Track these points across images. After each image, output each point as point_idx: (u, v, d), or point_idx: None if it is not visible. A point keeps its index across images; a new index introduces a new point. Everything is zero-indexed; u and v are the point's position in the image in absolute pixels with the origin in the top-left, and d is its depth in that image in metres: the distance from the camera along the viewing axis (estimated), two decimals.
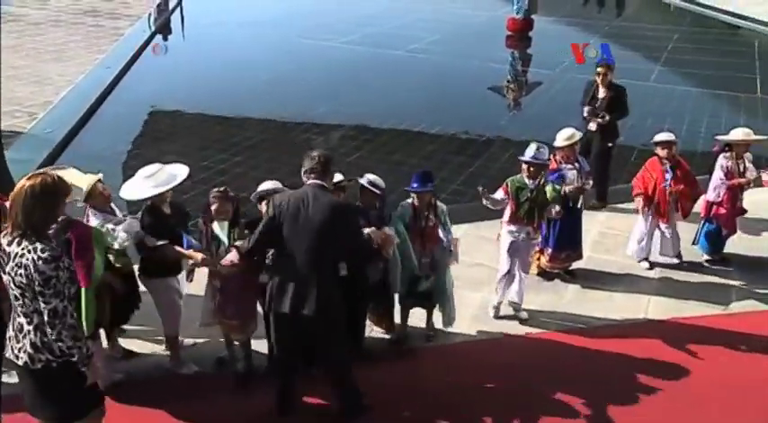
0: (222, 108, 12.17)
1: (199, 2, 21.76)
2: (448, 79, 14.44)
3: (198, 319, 4.80)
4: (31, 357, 3.26)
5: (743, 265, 6.50)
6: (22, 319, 3.28)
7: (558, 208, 5.46)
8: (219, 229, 4.50)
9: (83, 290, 3.25)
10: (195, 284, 4.88)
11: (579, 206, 6.07)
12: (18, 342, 3.30)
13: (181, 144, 10.50)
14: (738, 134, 6.21)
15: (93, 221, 4.38)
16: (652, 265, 6.47)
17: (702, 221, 6.48)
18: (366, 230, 4.57)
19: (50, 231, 3.20)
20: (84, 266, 3.23)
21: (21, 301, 3.24)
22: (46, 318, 3.19)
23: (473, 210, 6.83)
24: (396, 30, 19.01)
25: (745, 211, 6.46)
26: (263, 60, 15.82)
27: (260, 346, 4.85)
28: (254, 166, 9.42)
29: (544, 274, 6.26)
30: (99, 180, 4.57)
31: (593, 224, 7.13)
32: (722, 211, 6.28)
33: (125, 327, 5.09)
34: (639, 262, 6.50)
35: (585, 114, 7.43)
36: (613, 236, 7.02)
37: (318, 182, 4.09)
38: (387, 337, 5.35)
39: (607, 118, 7.28)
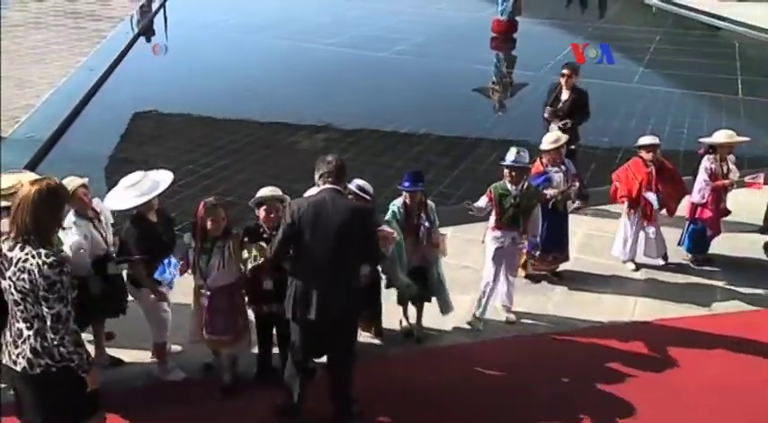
0: (207, 110, 12.11)
1: (182, 3, 21.65)
2: (434, 81, 14.47)
3: (183, 327, 4.77)
4: (30, 362, 3.26)
5: (727, 265, 6.57)
6: (22, 325, 3.27)
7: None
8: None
9: None
10: (183, 294, 4.85)
11: (565, 208, 6.12)
12: (17, 347, 3.29)
13: (165, 147, 10.44)
14: (722, 136, 6.28)
15: (70, 227, 4.35)
16: (638, 267, 6.53)
17: (687, 223, 6.54)
18: None
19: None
20: None
21: (21, 306, 3.23)
22: (49, 323, 3.19)
23: (459, 212, 6.78)
24: (381, 32, 19.03)
25: (729, 213, 6.54)
26: (248, 62, 15.75)
27: (245, 354, 4.83)
28: (240, 170, 9.37)
29: (531, 277, 6.29)
30: (83, 185, 4.51)
31: (580, 226, 7.17)
32: (707, 212, 6.34)
33: (113, 334, 5.05)
34: (625, 263, 6.55)
35: (546, 115, 7.47)
36: (599, 237, 7.07)
37: (334, 186, 4.10)
38: (376, 341, 5.35)
39: (569, 124, 7.27)
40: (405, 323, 5.56)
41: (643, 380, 4.93)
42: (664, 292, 6.12)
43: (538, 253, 6.13)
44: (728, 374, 5.01)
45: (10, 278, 3.20)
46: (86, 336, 4.39)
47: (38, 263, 3.13)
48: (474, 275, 5.99)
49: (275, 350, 4.86)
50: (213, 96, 12.87)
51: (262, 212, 4.62)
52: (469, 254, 6.31)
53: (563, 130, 7.23)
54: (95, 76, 13.23)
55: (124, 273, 4.71)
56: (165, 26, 19.20)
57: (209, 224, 4.41)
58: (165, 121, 11.72)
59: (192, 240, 4.50)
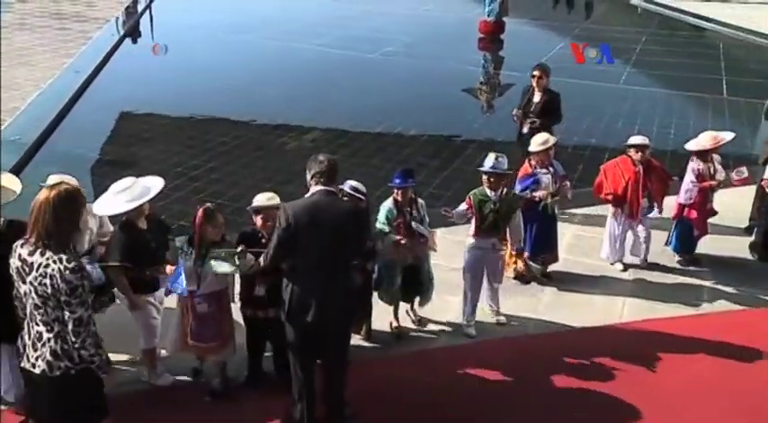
0: (195, 112, 12.07)
1: (168, 4, 21.53)
2: (422, 82, 14.49)
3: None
4: (50, 365, 3.30)
5: (713, 265, 6.64)
6: (42, 328, 3.31)
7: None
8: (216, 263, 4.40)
9: None
10: (169, 299, 4.84)
11: (554, 210, 6.15)
12: (36, 350, 3.33)
13: (154, 149, 10.38)
14: (707, 140, 6.32)
15: None
16: (626, 267, 6.58)
17: (674, 223, 6.60)
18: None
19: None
20: None
21: (42, 310, 3.27)
22: (71, 326, 3.24)
23: None
24: (368, 32, 19.03)
25: (715, 213, 6.60)
26: (236, 63, 15.68)
27: (233, 359, 4.82)
28: (231, 172, 9.34)
29: (521, 278, 6.32)
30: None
31: (568, 227, 7.22)
32: (694, 212, 6.41)
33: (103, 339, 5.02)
34: (613, 264, 6.59)
35: (513, 116, 7.48)
36: (588, 238, 7.11)
37: (327, 188, 4.09)
38: (367, 343, 5.36)
39: (537, 123, 7.24)
40: (395, 324, 5.58)
41: (633, 380, 4.97)
42: (652, 293, 6.17)
43: (526, 254, 6.18)
44: (717, 374, 5.07)
45: (31, 283, 3.23)
46: None
47: (59, 268, 3.17)
48: None
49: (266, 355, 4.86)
50: (201, 97, 12.82)
51: (259, 220, 4.61)
52: (459, 256, 6.24)
53: (532, 130, 7.22)
54: (81, 78, 13.13)
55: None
56: (152, 27, 19.09)
57: (209, 231, 4.39)
58: (152, 123, 11.65)
59: (188, 246, 4.46)
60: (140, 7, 20.53)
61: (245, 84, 13.81)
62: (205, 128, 11.34)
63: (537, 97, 7.40)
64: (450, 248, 6.32)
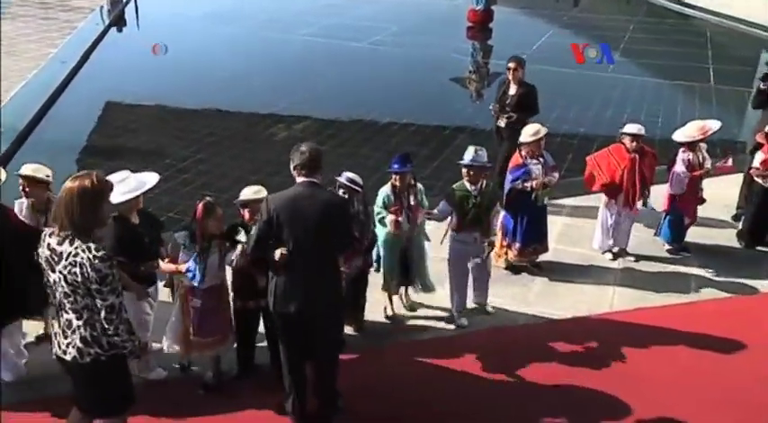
0: (182, 102, 11.99)
1: None
2: (411, 71, 14.45)
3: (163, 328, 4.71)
4: (80, 352, 3.39)
5: (702, 254, 6.69)
6: (71, 316, 3.38)
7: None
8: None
9: None
10: (160, 291, 4.82)
11: (544, 200, 6.16)
12: (66, 338, 3.41)
13: (140, 140, 10.31)
14: (695, 131, 6.33)
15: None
16: (615, 256, 6.61)
17: (664, 214, 6.64)
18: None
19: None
20: None
21: (72, 298, 3.34)
22: (104, 314, 3.32)
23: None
24: (355, 21, 18.91)
25: (704, 201, 6.64)
26: (222, 53, 15.55)
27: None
28: (219, 163, 9.29)
29: (512, 268, 6.34)
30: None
31: (558, 216, 7.24)
32: (685, 201, 6.44)
33: None
34: (604, 253, 6.63)
35: (491, 110, 7.46)
36: (578, 228, 7.15)
37: (310, 179, 4.06)
38: (358, 335, 5.38)
39: (513, 117, 7.18)
40: (389, 311, 5.64)
41: (623, 371, 5.02)
42: (641, 282, 6.22)
43: (517, 244, 6.19)
44: (707, 361, 5.12)
45: (60, 272, 3.29)
46: None
47: (89, 257, 3.23)
48: None
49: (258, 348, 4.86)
50: (188, 88, 12.73)
51: (246, 214, 4.62)
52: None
53: (509, 124, 7.20)
54: (67, 69, 12.98)
55: None
56: (137, 16, 18.87)
57: (210, 224, 4.38)
58: (139, 114, 11.56)
59: (190, 241, 4.43)
60: None
61: (233, 74, 13.71)
62: (193, 119, 11.27)
63: (512, 90, 7.33)
64: (440, 239, 6.34)
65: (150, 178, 4.49)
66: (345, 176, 4.97)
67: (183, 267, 4.37)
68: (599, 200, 6.75)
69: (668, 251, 6.70)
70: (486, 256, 5.50)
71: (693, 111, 11.36)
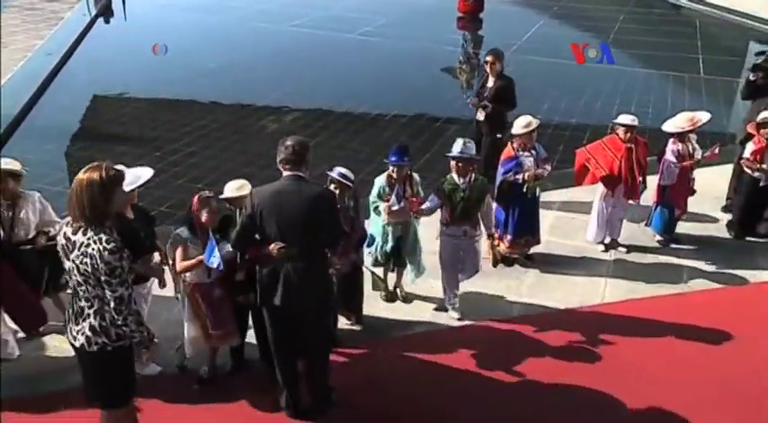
0: (171, 94, 11.90)
1: None
2: (401, 62, 14.40)
3: (159, 318, 4.71)
4: (88, 340, 3.47)
5: (693, 244, 6.73)
6: (84, 304, 3.47)
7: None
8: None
9: None
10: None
11: (536, 193, 6.17)
12: (77, 325, 3.50)
13: (130, 134, 10.23)
14: (685, 122, 6.35)
15: None
16: (607, 247, 6.64)
17: (655, 204, 6.67)
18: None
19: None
20: None
21: (84, 287, 3.42)
22: (113, 305, 3.37)
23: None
24: (345, 12, 18.80)
25: (694, 192, 6.68)
26: (211, 44, 15.45)
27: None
28: (210, 156, 9.23)
29: (504, 260, 6.34)
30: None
31: (550, 208, 7.26)
32: (675, 192, 6.47)
33: None
34: (597, 244, 6.65)
35: (470, 104, 7.43)
36: (569, 220, 7.17)
37: (294, 173, 4.03)
38: (356, 328, 5.41)
39: (489, 107, 7.16)
40: (388, 287, 5.77)
41: (616, 359, 5.05)
42: (633, 273, 6.25)
43: (509, 237, 6.21)
44: (699, 351, 5.16)
45: (73, 261, 3.36)
46: None
47: (99, 248, 3.28)
48: None
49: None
50: (176, 80, 12.62)
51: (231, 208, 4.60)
52: None
53: (489, 116, 7.17)
54: (54, 61, 12.84)
55: None
56: (124, 7, 18.65)
57: (204, 216, 4.37)
58: (128, 106, 11.47)
59: (191, 234, 4.41)
60: None
61: (222, 66, 13.61)
62: (182, 111, 11.18)
63: (490, 82, 7.32)
64: (433, 232, 6.33)
65: (144, 173, 4.47)
66: (337, 171, 4.95)
67: (202, 258, 4.30)
68: (591, 191, 6.78)
69: (659, 242, 6.74)
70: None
71: (683, 101, 11.40)
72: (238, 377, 4.81)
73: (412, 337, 5.38)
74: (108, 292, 3.34)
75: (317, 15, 18.19)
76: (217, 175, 8.35)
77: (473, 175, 5.35)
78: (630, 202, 6.46)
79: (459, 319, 5.56)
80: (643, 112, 11.04)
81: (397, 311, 5.70)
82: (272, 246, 3.98)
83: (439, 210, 5.42)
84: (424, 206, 5.37)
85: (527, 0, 21.61)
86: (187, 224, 4.45)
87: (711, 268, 6.34)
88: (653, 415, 4.54)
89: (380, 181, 5.37)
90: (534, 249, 6.45)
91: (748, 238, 6.83)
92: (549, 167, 6.23)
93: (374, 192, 5.38)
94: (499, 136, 7.16)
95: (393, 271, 5.79)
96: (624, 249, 6.62)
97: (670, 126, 6.43)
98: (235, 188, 4.65)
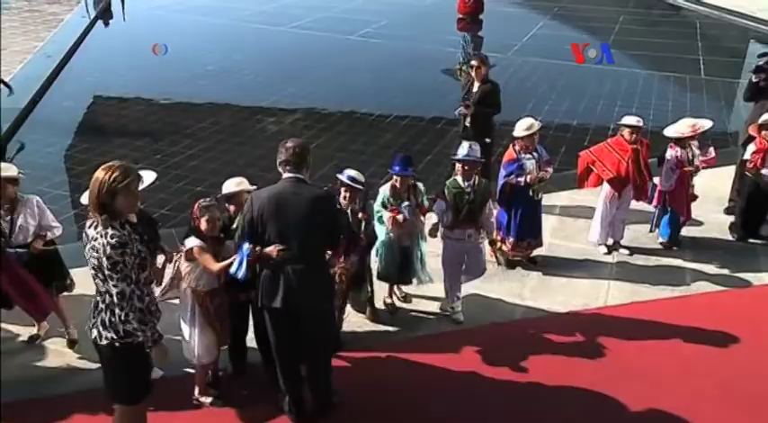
0: (171, 96, 11.87)
1: None
2: (401, 64, 14.37)
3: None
4: (99, 333, 3.54)
5: (695, 247, 6.71)
6: (98, 298, 3.57)
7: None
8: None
9: None
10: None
11: (539, 195, 6.15)
12: (94, 317, 3.58)
13: (129, 136, 10.19)
14: (686, 128, 6.33)
15: None
16: (609, 249, 6.62)
17: (657, 210, 6.64)
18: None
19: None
20: None
21: (96, 280, 3.52)
22: (115, 300, 3.43)
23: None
24: (345, 14, 18.79)
25: (696, 197, 6.66)
26: (211, 46, 15.41)
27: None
28: (211, 159, 9.20)
29: (507, 263, 6.33)
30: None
31: (552, 211, 7.24)
32: (677, 199, 6.45)
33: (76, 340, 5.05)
34: (599, 246, 6.63)
35: (456, 112, 7.40)
36: (572, 222, 7.15)
37: (294, 175, 4.03)
38: (362, 329, 5.41)
39: (472, 108, 7.09)
40: (389, 300, 5.70)
41: (619, 362, 5.03)
42: (635, 276, 6.23)
43: (511, 239, 6.19)
44: (703, 354, 5.14)
45: (86, 254, 3.49)
46: None
47: (103, 243, 3.36)
48: None
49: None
50: (177, 82, 12.61)
51: (232, 208, 4.56)
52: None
53: (474, 121, 7.12)
54: (53, 63, 12.83)
55: None
56: (123, 9, 18.65)
57: (203, 224, 4.32)
58: (128, 109, 11.43)
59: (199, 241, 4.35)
60: None
61: (222, 68, 13.60)
62: (182, 114, 11.16)
63: (476, 87, 7.29)
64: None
65: (148, 176, 4.45)
66: (347, 175, 4.93)
67: (229, 261, 4.18)
68: (593, 194, 6.76)
69: (661, 243, 6.72)
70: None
71: (685, 102, 11.40)
72: (241, 381, 4.79)
73: (414, 340, 5.35)
74: (111, 286, 3.40)
75: (317, 17, 18.18)
76: (217, 177, 8.25)
77: (477, 178, 5.35)
78: (638, 203, 6.43)
79: (461, 322, 5.53)
80: (644, 114, 10.99)
81: (400, 314, 5.68)
82: (272, 247, 3.97)
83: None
84: (434, 212, 5.39)
85: (527, 1, 21.64)
86: (194, 233, 4.39)
87: (714, 270, 6.33)
88: (656, 417, 4.52)
89: (385, 190, 5.33)
90: (537, 252, 6.43)
91: (751, 241, 6.82)
92: (551, 170, 6.22)
93: (378, 200, 5.35)
94: (488, 140, 7.12)
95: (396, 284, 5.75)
96: (627, 252, 6.60)
97: (671, 131, 6.42)
98: (234, 184, 4.62)
